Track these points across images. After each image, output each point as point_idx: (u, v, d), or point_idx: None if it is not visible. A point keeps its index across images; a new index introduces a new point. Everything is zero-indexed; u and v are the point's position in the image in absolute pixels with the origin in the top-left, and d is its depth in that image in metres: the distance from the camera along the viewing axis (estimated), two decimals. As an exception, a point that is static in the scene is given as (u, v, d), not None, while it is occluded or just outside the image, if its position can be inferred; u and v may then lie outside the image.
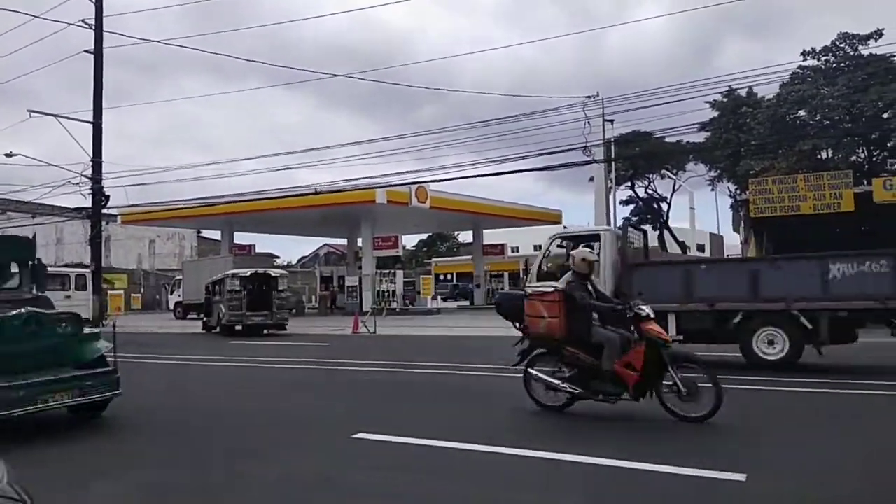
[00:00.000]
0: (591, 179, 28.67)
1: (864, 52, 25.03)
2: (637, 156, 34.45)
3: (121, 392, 6.77)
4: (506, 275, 38.32)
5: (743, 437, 5.96)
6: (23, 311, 6.31)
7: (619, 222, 36.41)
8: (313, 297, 38.00)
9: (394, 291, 32.10)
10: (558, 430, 6.31)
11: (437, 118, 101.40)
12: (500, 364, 11.68)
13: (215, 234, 40.92)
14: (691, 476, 4.61)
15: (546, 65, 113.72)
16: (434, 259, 59.65)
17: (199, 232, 51.65)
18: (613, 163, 29.13)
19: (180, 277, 32.89)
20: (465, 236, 54.46)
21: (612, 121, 26.20)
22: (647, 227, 39.72)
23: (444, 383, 9.89)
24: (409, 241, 61.10)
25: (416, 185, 26.14)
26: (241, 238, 36.89)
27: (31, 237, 8.67)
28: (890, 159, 26.09)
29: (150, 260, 51.08)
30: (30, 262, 7.87)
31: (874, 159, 26.24)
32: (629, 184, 38.50)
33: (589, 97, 24.42)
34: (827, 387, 8.44)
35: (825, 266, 9.56)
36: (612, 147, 28.02)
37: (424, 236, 64.39)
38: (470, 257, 41.71)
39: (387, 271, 35.15)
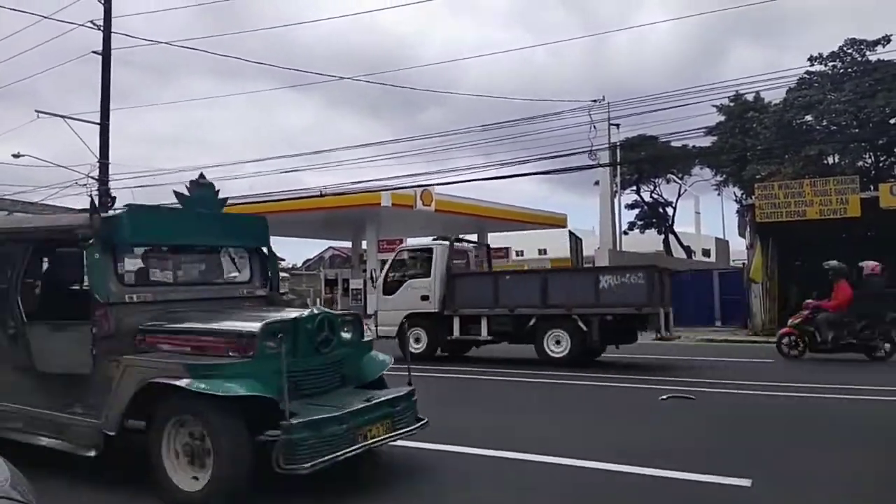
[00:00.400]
0: (597, 183, 28.64)
1: (872, 57, 24.96)
2: (642, 160, 34.37)
3: (427, 422, 5.05)
4: (510, 278, 38.23)
5: (747, 441, 5.94)
6: (314, 310, 4.89)
7: (625, 226, 36.46)
8: (318, 300, 38.07)
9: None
10: (545, 434, 6.29)
11: (443, 120, 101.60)
12: (504, 369, 11.69)
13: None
14: (695, 481, 4.59)
15: (553, 67, 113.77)
16: (438, 262, 59.59)
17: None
18: (619, 167, 29.10)
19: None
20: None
21: (617, 125, 26.20)
22: (652, 232, 39.97)
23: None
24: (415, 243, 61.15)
25: (422, 189, 26.17)
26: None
27: (264, 218, 6.72)
28: (897, 165, 26.00)
29: (155, 261, 51.15)
30: (262, 250, 6.17)
31: (881, 165, 26.13)
32: (634, 188, 38.40)
33: (595, 101, 24.43)
34: (822, 392, 8.40)
35: (596, 277, 11.71)
36: (618, 151, 28.00)
37: (429, 239, 64.49)
38: (475, 261, 41.68)
39: (391, 274, 35.18)
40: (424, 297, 12.67)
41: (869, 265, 13.46)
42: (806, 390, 8.67)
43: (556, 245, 42.48)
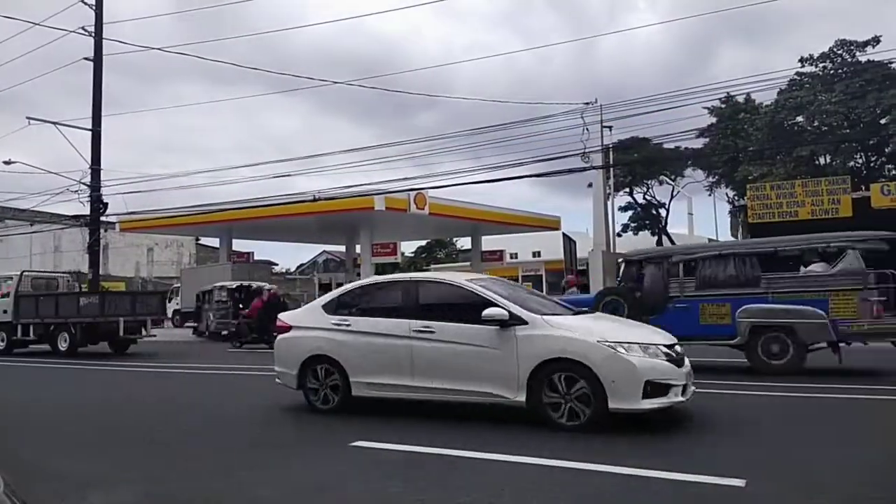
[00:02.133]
0: (590, 185, 28.69)
1: (862, 58, 25.16)
2: (635, 162, 34.50)
3: None
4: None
5: (742, 441, 5.94)
6: None
7: (619, 228, 36.49)
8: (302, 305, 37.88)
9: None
10: (552, 436, 6.27)
11: (435, 124, 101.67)
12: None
13: (214, 242, 40.89)
14: (690, 482, 4.58)
15: (543, 70, 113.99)
16: (433, 266, 59.62)
17: (197, 239, 51.61)
18: (612, 169, 29.17)
19: (178, 285, 32.85)
20: (464, 243, 54.46)
21: (610, 127, 26.23)
22: (646, 233, 40.06)
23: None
24: (408, 247, 61.09)
25: (415, 192, 26.13)
26: (239, 245, 36.86)
27: None
28: (888, 165, 26.18)
29: (148, 268, 51.00)
30: None
31: (872, 165, 26.32)
32: (628, 190, 38.55)
33: (587, 104, 24.48)
34: (816, 391, 8.42)
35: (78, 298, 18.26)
36: (611, 153, 28.07)
37: (423, 243, 64.39)
38: (469, 264, 41.69)
39: (386, 278, 35.04)
40: (5, 311, 18.45)
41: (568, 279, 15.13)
42: (795, 390, 8.69)
43: (550, 247, 42.57)
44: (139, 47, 20.09)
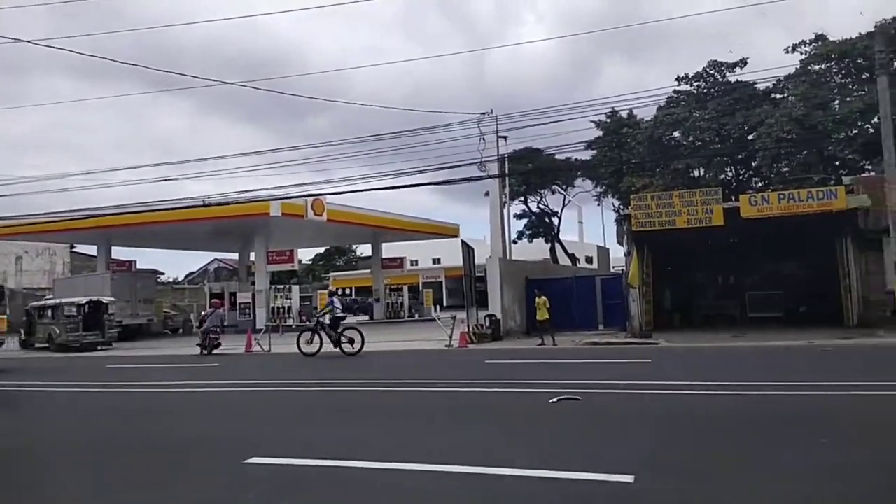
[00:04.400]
0: (487, 194, 29.29)
1: (732, 78, 27.39)
2: (530, 172, 35.65)
3: None
4: (405, 288, 38.28)
5: (631, 439, 6.24)
6: None
7: (514, 235, 37.53)
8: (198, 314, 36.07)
9: (289, 307, 31.16)
10: (437, 442, 6.32)
11: (331, 129, 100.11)
12: (394, 378, 11.62)
13: (91, 250, 37.99)
14: (579, 479, 4.75)
15: (438, 77, 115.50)
16: (332, 273, 58.59)
17: (72, 247, 47.82)
18: (507, 178, 29.96)
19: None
20: (364, 250, 53.96)
21: (505, 137, 26.97)
22: (540, 240, 41.46)
23: (340, 399, 9.67)
24: (306, 254, 59.69)
25: (313, 198, 25.60)
26: (120, 254, 34.50)
27: None
28: (754, 177, 28.61)
29: (16, 278, 46.60)
30: None
31: (741, 177, 28.68)
32: (522, 199, 39.74)
33: (484, 114, 25.04)
34: (709, 389, 9.04)
35: None
36: (506, 163, 28.85)
37: (321, 250, 63.17)
38: (369, 271, 41.35)
39: (282, 286, 34.06)
40: None
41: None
42: (680, 388, 9.28)
43: (449, 254, 43.09)
44: (8, 39, 18.30)
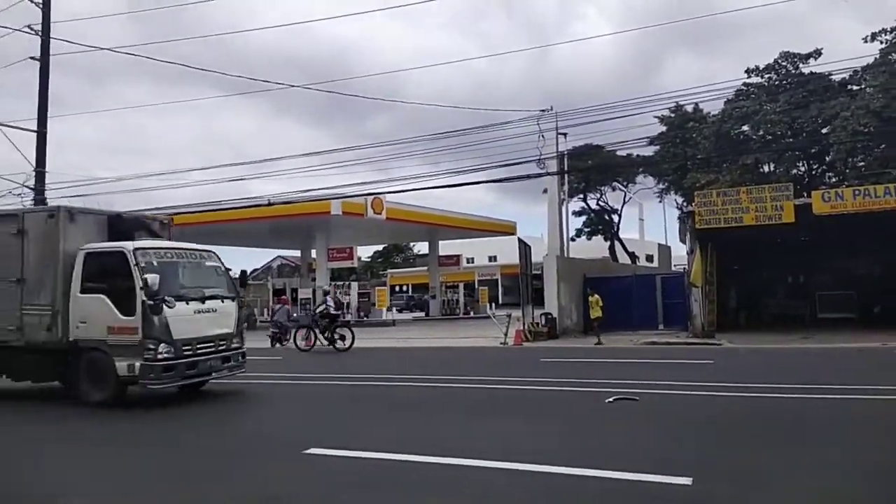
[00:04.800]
0: (545, 191, 29.03)
1: (805, 70, 26.18)
2: (589, 169, 35.11)
3: None
4: (461, 285, 38.39)
5: (689, 440, 6.09)
6: None
7: (573, 233, 37.08)
8: (265, 311, 37.22)
9: (348, 303, 31.76)
10: (494, 440, 6.32)
11: (391, 129, 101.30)
12: (451, 374, 11.68)
13: (164, 246, 39.68)
14: (637, 481, 4.67)
15: (499, 75, 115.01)
16: (389, 270, 59.33)
17: (146, 244, 50.06)
18: (566, 175, 29.60)
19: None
20: (421, 247, 54.42)
21: (565, 134, 26.63)
22: (599, 238, 40.78)
23: (392, 395, 9.80)
24: (365, 252, 60.66)
25: (373, 196, 25.99)
26: (191, 250, 35.92)
27: None
28: (828, 173, 27.29)
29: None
30: None
31: (813, 173, 27.40)
32: (581, 196, 39.18)
33: (543, 111, 24.77)
34: (771, 392, 8.71)
35: None
36: (566, 160, 28.49)
37: (380, 247, 64.04)
38: (426, 268, 41.66)
39: (341, 283, 34.76)
40: None
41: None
42: (741, 390, 8.97)
43: (505, 252, 42.93)
44: (88, 47, 19.38)
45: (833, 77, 24.35)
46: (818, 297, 22.69)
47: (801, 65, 26.42)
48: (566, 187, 30.44)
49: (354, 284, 36.01)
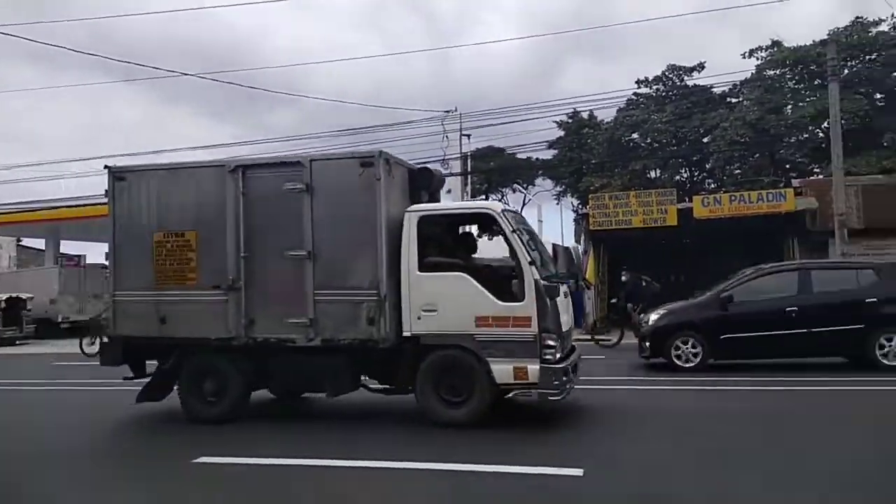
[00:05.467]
0: (449, 192, 29.38)
1: (690, 82, 27.98)
2: (491, 170, 35.85)
3: None
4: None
5: (580, 433, 6.33)
6: None
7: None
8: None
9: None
10: (383, 438, 6.31)
11: (293, 124, 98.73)
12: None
13: (38, 244, 36.67)
14: (528, 474, 4.79)
15: (402, 74, 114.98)
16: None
17: (18, 240, 46.06)
18: (469, 176, 30.09)
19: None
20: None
21: (468, 135, 27.11)
22: (500, 239, 41.66)
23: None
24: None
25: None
26: (69, 248, 33.39)
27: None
28: (708, 179, 29.30)
29: (-44, 271, 44.65)
30: None
31: (695, 179, 29.34)
32: (484, 197, 39.91)
33: (447, 112, 25.09)
34: (664, 384, 9.23)
35: None
36: (469, 161, 28.94)
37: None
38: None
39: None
40: None
41: None
42: (629, 383, 9.46)
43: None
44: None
45: (714, 90, 26.21)
46: (697, 296, 24.26)
47: (686, 77, 28.22)
48: (469, 188, 30.96)
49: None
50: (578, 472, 4.78)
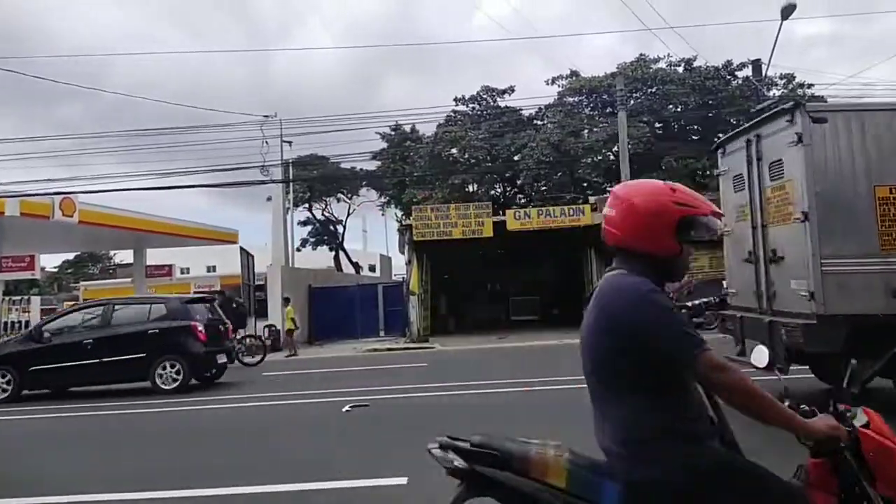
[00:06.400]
0: (269, 199, 28.36)
1: (502, 103, 29.88)
2: (314, 178, 35.25)
3: None
4: (174, 298, 35.13)
5: (407, 442, 6.43)
6: None
7: (298, 243, 36.81)
8: None
9: (27, 322, 26.86)
10: (194, 468, 5.97)
11: (86, 120, 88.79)
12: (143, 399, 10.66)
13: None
14: (355, 487, 4.78)
15: (216, 73, 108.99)
16: (84, 283, 51.75)
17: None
18: (291, 184, 29.32)
19: None
20: (124, 256, 48.58)
21: (290, 142, 26.42)
22: (324, 248, 41.16)
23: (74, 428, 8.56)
24: (51, 261, 52.10)
25: (62, 196, 22.41)
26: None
27: None
28: (519, 194, 31.47)
29: None
30: None
31: (508, 194, 31.36)
32: (307, 205, 39.10)
33: (267, 116, 24.24)
34: (478, 388, 9.65)
35: None
36: (290, 168, 28.19)
37: (71, 256, 55.56)
38: (130, 280, 37.28)
39: (18, 297, 29.26)
40: None
41: None
42: (451, 388, 9.82)
43: (227, 262, 40.60)
44: None
45: (523, 112, 28.29)
46: (511, 302, 26.02)
47: (498, 98, 30.13)
48: (291, 196, 30.14)
49: (36, 299, 30.58)
50: (403, 480, 4.85)
